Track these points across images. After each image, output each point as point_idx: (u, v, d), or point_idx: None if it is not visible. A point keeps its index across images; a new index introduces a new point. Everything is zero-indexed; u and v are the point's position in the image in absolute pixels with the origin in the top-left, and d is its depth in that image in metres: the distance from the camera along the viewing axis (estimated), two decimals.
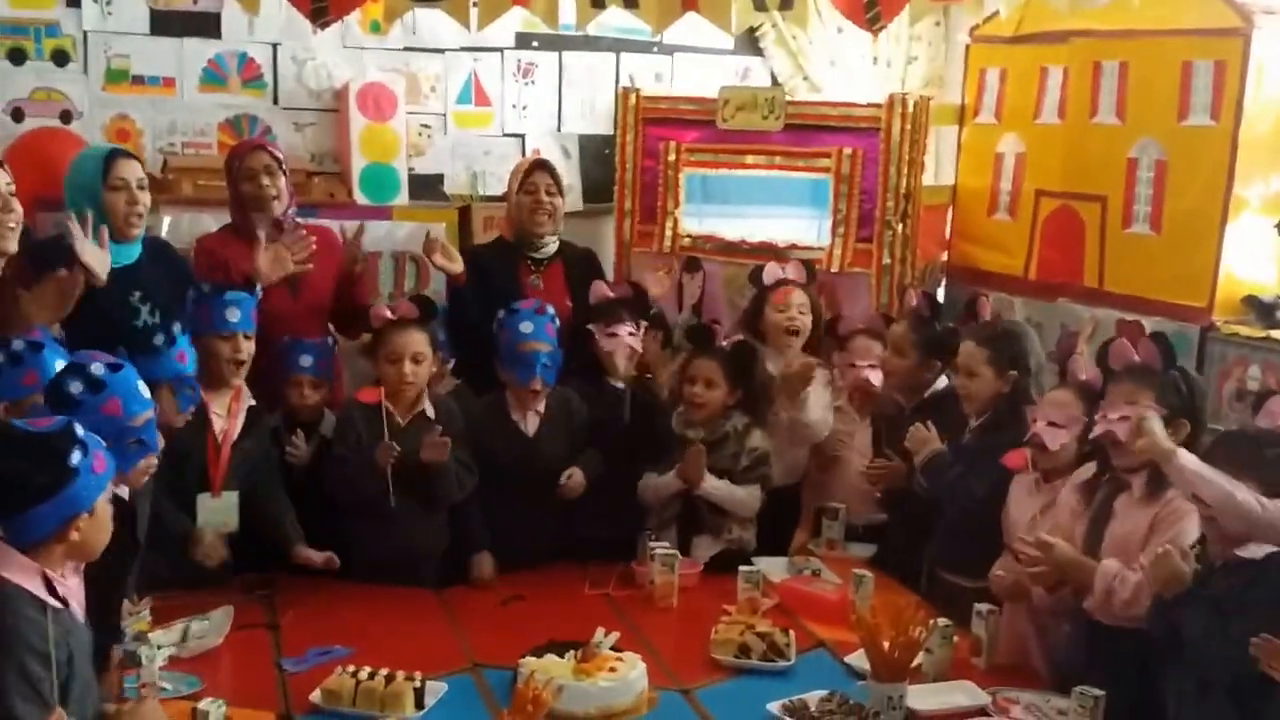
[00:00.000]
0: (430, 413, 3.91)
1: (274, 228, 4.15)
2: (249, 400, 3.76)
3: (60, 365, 3.10)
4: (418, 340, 3.90)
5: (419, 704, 2.93)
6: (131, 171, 3.75)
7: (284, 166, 4.20)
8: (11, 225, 3.35)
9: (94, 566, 2.54)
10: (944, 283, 5.32)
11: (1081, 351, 4.72)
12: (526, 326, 3.98)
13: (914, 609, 3.18)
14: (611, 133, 5.29)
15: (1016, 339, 3.92)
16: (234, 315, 3.69)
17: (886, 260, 4.71)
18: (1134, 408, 3.10)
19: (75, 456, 2.36)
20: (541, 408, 4.07)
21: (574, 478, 4.01)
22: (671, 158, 5.04)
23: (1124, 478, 3.23)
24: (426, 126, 5.21)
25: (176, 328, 3.50)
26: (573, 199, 5.09)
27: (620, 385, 4.22)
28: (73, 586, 2.45)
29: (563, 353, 4.08)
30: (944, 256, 5.43)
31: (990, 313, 4.37)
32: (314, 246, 4.11)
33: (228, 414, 3.69)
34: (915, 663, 3.08)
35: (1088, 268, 4.73)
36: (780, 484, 4.24)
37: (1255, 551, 2.80)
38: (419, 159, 5.18)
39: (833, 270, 4.77)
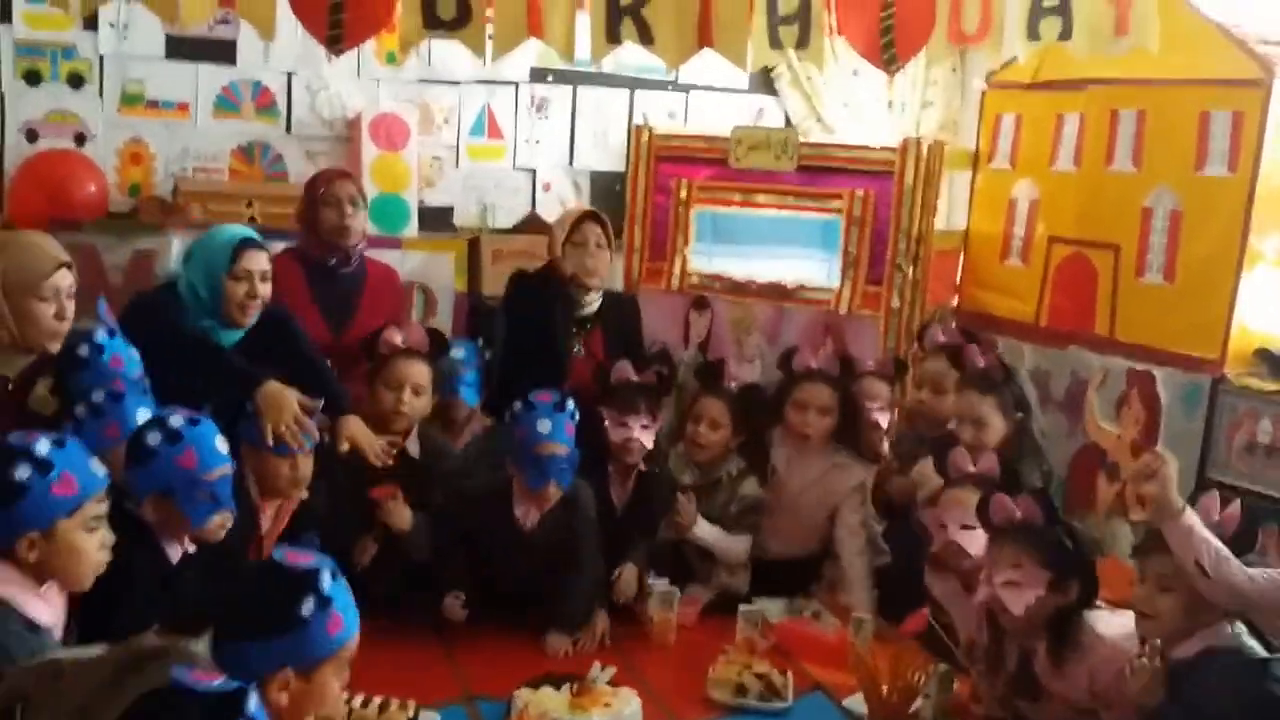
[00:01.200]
0: (414, 451, 3.83)
1: (342, 260, 4.15)
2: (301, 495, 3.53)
3: (143, 414, 3.02)
4: (420, 372, 3.84)
5: None
6: (257, 264, 3.61)
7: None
8: (63, 330, 3.11)
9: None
10: (954, 327, 5.28)
11: (1091, 400, 4.70)
12: (544, 426, 3.59)
13: (913, 653, 3.13)
14: (623, 169, 5.29)
15: (987, 385, 3.84)
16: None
17: (896, 303, 4.68)
18: (1020, 571, 2.91)
19: (22, 472, 2.28)
20: (546, 507, 3.72)
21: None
22: (683, 195, 5.02)
23: (1023, 646, 3.03)
24: (438, 158, 5.21)
25: (102, 332, 3.23)
26: None
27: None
28: (47, 608, 2.37)
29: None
30: (954, 301, 5.41)
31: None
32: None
33: (276, 514, 3.47)
34: (914, 707, 3.03)
35: (1099, 316, 4.69)
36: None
37: (1187, 651, 2.71)
38: (430, 190, 5.18)
39: (841, 312, 4.74)
